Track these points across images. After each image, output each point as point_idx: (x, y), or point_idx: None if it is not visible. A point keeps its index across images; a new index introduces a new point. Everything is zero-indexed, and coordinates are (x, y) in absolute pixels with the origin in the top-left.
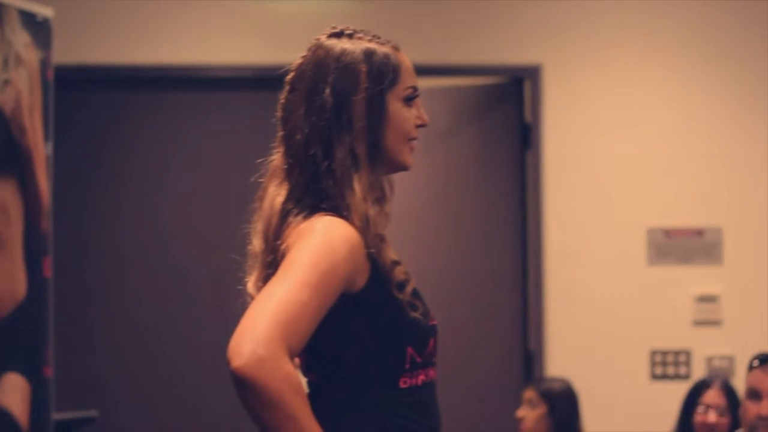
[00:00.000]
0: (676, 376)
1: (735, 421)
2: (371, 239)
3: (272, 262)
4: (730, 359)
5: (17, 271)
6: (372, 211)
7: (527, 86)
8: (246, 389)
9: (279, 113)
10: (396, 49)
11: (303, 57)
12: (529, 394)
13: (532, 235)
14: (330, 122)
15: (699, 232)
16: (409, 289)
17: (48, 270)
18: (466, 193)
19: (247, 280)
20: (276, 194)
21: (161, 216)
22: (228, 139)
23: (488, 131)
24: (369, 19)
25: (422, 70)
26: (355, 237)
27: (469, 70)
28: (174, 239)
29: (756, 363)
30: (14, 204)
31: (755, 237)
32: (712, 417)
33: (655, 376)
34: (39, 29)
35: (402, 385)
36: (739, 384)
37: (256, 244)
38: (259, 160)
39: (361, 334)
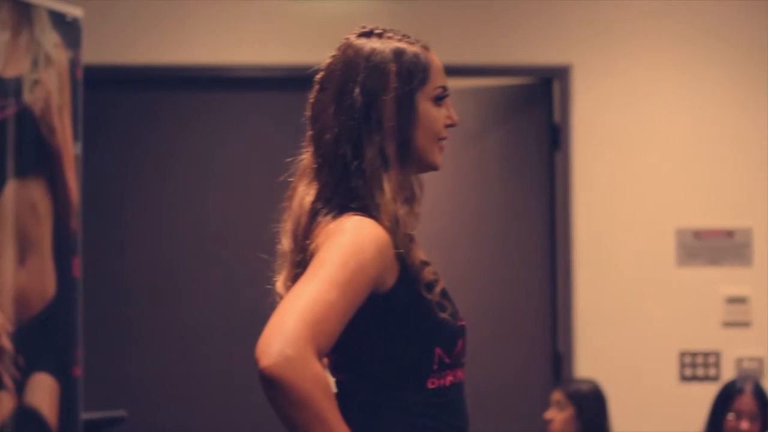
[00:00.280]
0: (706, 378)
1: (766, 425)
2: (400, 239)
3: (301, 261)
4: (760, 361)
5: (47, 270)
6: (401, 211)
7: (556, 87)
8: (274, 389)
9: (308, 113)
10: (425, 48)
11: (332, 56)
12: (557, 395)
13: (560, 235)
14: (359, 122)
15: (729, 233)
16: (437, 289)
17: (77, 270)
18: (495, 193)
19: (276, 279)
20: (305, 193)
21: (190, 216)
22: (257, 139)
23: (517, 132)
24: (398, 19)
25: (451, 71)
26: (384, 237)
27: (498, 70)
28: (203, 239)
29: None
30: (44, 204)
31: None
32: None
33: (684, 378)
34: (68, 29)
35: (430, 386)
36: None
37: (285, 243)
38: (289, 160)
39: (390, 334)
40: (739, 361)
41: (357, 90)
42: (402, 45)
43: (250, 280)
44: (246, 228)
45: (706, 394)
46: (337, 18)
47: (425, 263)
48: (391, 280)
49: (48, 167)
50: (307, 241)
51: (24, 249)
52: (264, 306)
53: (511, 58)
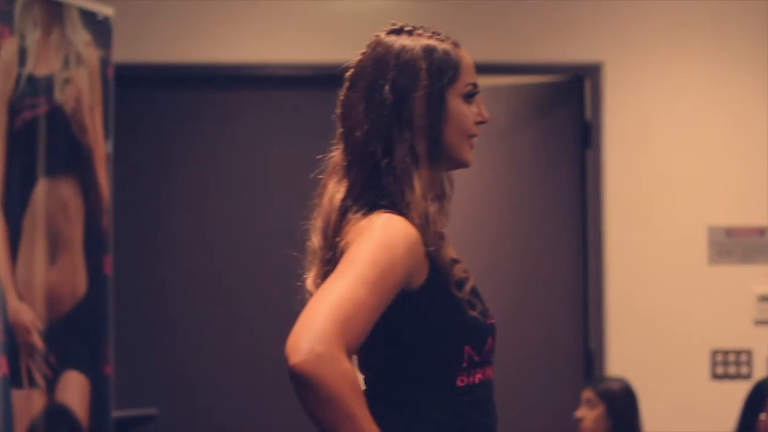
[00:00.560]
0: (737, 376)
1: None
2: (430, 237)
3: (331, 258)
4: None
5: (78, 269)
6: (431, 208)
7: (588, 84)
8: (303, 386)
9: (338, 110)
10: (456, 45)
11: (362, 54)
12: (588, 394)
13: (592, 234)
14: (390, 119)
15: (761, 231)
16: (467, 287)
17: (108, 268)
18: (526, 191)
19: (305, 276)
20: (335, 191)
21: (221, 213)
22: (287, 137)
23: (548, 130)
24: (430, 17)
25: (483, 69)
26: (415, 234)
27: (529, 68)
28: (233, 237)
29: None
30: (75, 202)
31: None
32: None
33: (715, 376)
34: (99, 28)
35: (459, 384)
36: None
37: (315, 240)
38: (319, 157)
39: (419, 331)
40: None
41: (387, 87)
42: (432, 42)
43: (280, 277)
44: (277, 226)
45: (737, 393)
46: (368, 16)
47: (455, 261)
48: (421, 277)
49: (79, 166)
50: (337, 239)
51: (55, 247)
52: (294, 303)
53: (542, 56)
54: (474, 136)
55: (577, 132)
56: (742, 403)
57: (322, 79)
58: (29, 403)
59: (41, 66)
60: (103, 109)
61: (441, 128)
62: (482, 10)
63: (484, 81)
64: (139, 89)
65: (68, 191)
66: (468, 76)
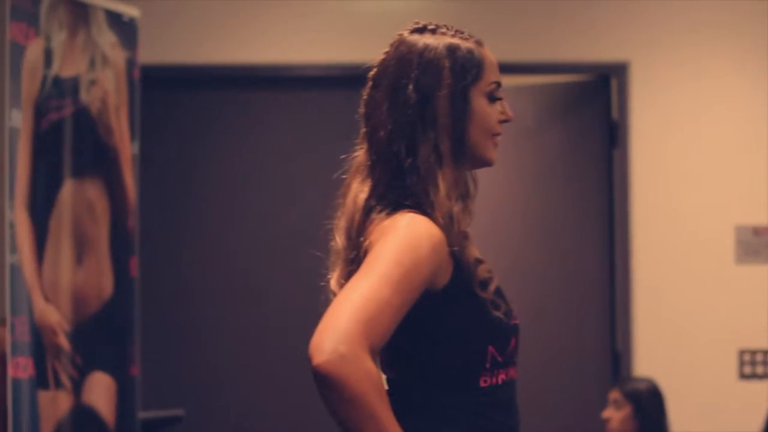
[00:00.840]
0: (765, 376)
1: None
2: (454, 237)
3: (355, 258)
4: None
5: (104, 270)
6: (456, 208)
7: (614, 84)
8: (327, 386)
9: (361, 110)
10: (479, 44)
11: (386, 53)
12: (615, 394)
13: (619, 233)
14: (413, 118)
15: None
16: (491, 287)
17: (134, 269)
18: (553, 191)
19: (329, 276)
20: (359, 191)
21: (247, 214)
22: (312, 137)
23: (575, 129)
24: (455, 16)
25: (509, 68)
26: (439, 234)
27: (556, 67)
28: (260, 238)
29: None
30: (101, 204)
31: None
32: None
33: (743, 376)
34: (125, 29)
35: (482, 384)
36: None
37: (339, 240)
38: (343, 157)
39: (443, 331)
40: None
41: (411, 86)
42: (455, 41)
43: (305, 277)
44: (301, 226)
45: (765, 393)
46: (393, 16)
47: (479, 261)
48: (444, 277)
49: (105, 167)
50: (361, 239)
51: (81, 249)
52: (318, 303)
53: (569, 55)
54: (498, 134)
55: (604, 131)
56: None
57: (345, 78)
58: (55, 404)
59: (67, 67)
60: (129, 110)
61: (465, 127)
62: (508, 9)
63: (511, 81)
64: (164, 90)
65: (94, 192)
66: (492, 75)
